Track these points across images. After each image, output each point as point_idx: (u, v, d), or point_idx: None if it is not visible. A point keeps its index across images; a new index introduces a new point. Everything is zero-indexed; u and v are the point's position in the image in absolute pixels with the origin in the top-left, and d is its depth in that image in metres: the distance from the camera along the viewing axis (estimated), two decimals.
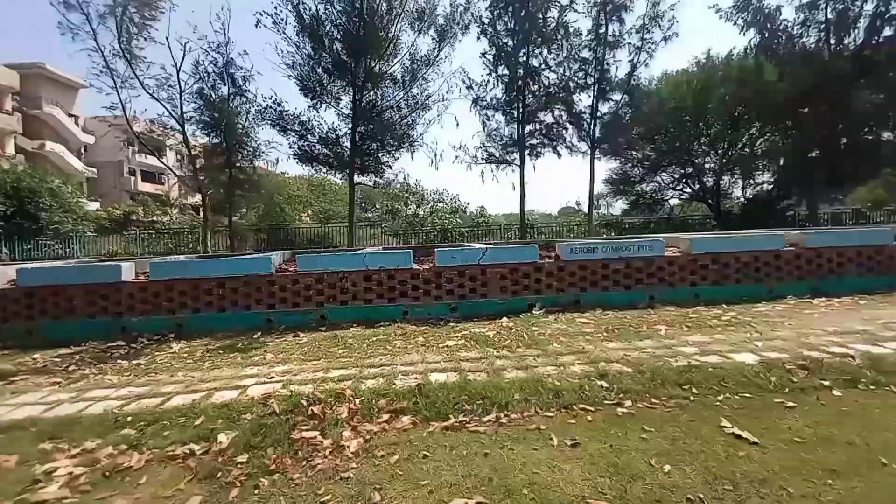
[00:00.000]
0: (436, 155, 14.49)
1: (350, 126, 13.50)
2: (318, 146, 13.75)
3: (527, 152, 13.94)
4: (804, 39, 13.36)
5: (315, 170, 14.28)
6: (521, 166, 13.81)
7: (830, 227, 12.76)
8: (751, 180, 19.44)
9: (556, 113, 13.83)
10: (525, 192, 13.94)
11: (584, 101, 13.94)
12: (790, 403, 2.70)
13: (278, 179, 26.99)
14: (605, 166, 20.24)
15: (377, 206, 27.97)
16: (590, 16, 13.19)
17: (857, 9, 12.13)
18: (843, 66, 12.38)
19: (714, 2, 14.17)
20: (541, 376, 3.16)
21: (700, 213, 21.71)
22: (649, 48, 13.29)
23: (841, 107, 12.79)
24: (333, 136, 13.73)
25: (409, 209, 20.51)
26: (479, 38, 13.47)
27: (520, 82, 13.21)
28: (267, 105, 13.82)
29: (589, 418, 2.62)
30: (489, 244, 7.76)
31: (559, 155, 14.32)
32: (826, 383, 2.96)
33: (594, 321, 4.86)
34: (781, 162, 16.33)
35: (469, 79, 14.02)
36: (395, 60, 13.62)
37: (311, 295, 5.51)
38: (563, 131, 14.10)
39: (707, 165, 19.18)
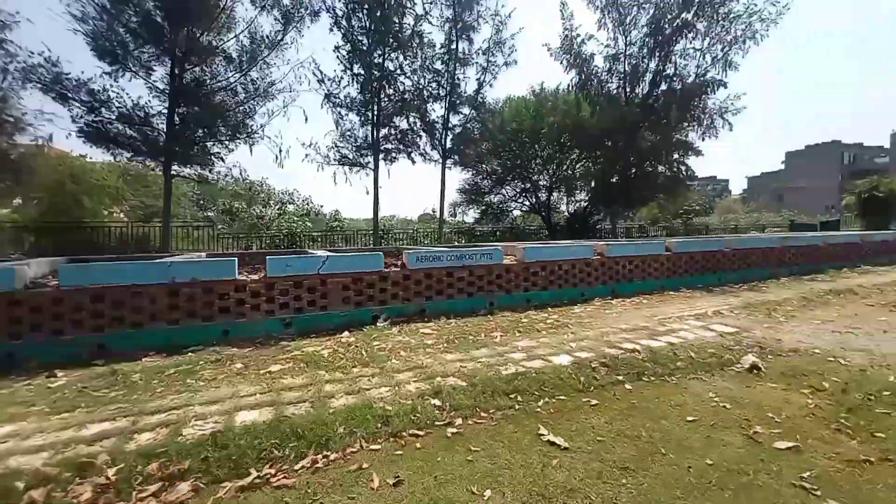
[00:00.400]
0: (281, 150, 13.09)
1: (166, 105, 11.13)
2: (119, 125, 10.88)
3: (381, 156, 13.74)
4: (609, 85, 16.45)
5: (113, 154, 11.31)
6: (376, 170, 13.53)
7: (624, 240, 15.88)
8: (573, 197, 23.17)
9: (411, 120, 14.02)
10: (379, 197, 13.71)
11: (437, 111, 14.50)
12: (594, 402, 2.97)
13: (72, 163, 21.09)
14: (461, 176, 21.45)
15: (216, 205, 24.22)
16: (443, 30, 13.83)
17: (645, 65, 15.52)
18: (634, 110, 15.63)
19: (547, 41, 16.36)
20: (372, 401, 2.86)
21: (536, 224, 24.82)
22: (493, 70, 14.61)
23: (632, 143, 16.15)
24: (141, 114, 11.06)
25: (254, 210, 18.12)
26: (331, 29, 12.73)
27: (375, 84, 12.95)
28: (37, 63, 10.43)
29: (418, 445, 2.42)
30: (334, 251, 7.23)
31: (413, 161, 14.57)
32: (620, 378, 3.38)
33: (437, 331, 4.82)
34: (593, 184, 19.77)
35: (321, 72, 13.11)
36: (230, 35, 11.78)
37: (83, 318, 4.17)
38: (418, 139, 14.38)
39: (541, 182, 22.05)
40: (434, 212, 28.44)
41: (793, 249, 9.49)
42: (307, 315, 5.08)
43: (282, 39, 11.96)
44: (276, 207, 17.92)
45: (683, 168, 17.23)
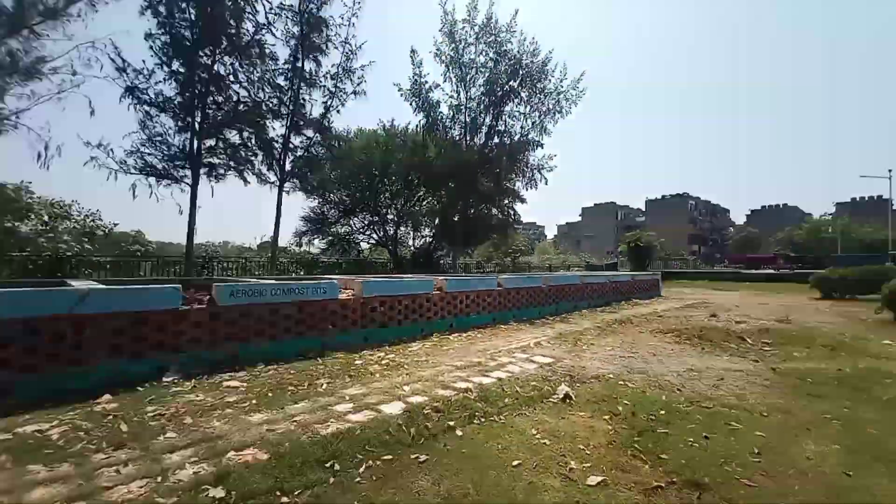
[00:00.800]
0: (47, 147, 9.86)
1: None
2: None
3: (204, 171, 11.60)
4: (453, 131, 17.98)
5: None
6: (194, 186, 11.28)
7: (463, 275, 16.98)
8: (419, 233, 24.04)
9: (245, 134, 12.39)
10: (196, 218, 11.39)
11: (276, 129, 13.15)
12: (423, 457, 2.65)
13: None
14: (307, 204, 20.06)
15: None
16: (288, 45, 12.88)
17: (482, 119, 17.54)
18: (473, 157, 17.31)
19: (398, 80, 17.03)
20: None
21: (384, 258, 24.78)
22: (342, 96, 14.15)
23: (471, 186, 17.77)
24: None
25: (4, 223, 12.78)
26: (142, 13, 10.44)
27: (200, 87, 11.05)
28: None
29: None
30: (117, 283, 5.57)
31: (246, 182, 12.68)
32: (452, 423, 3.17)
33: (247, 383, 3.93)
34: (437, 221, 20.92)
35: (122, 58, 10.46)
36: None
37: None
38: (252, 156, 12.71)
39: (389, 216, 22.28)
40: (273, 240, 25.67)
41: (590, 286, 11.44)
42: (43, 376, 3.57)
43: (64, 8, 9.27)
44: (39, 222, 13.11)
45: (512, 212, 19.71)
